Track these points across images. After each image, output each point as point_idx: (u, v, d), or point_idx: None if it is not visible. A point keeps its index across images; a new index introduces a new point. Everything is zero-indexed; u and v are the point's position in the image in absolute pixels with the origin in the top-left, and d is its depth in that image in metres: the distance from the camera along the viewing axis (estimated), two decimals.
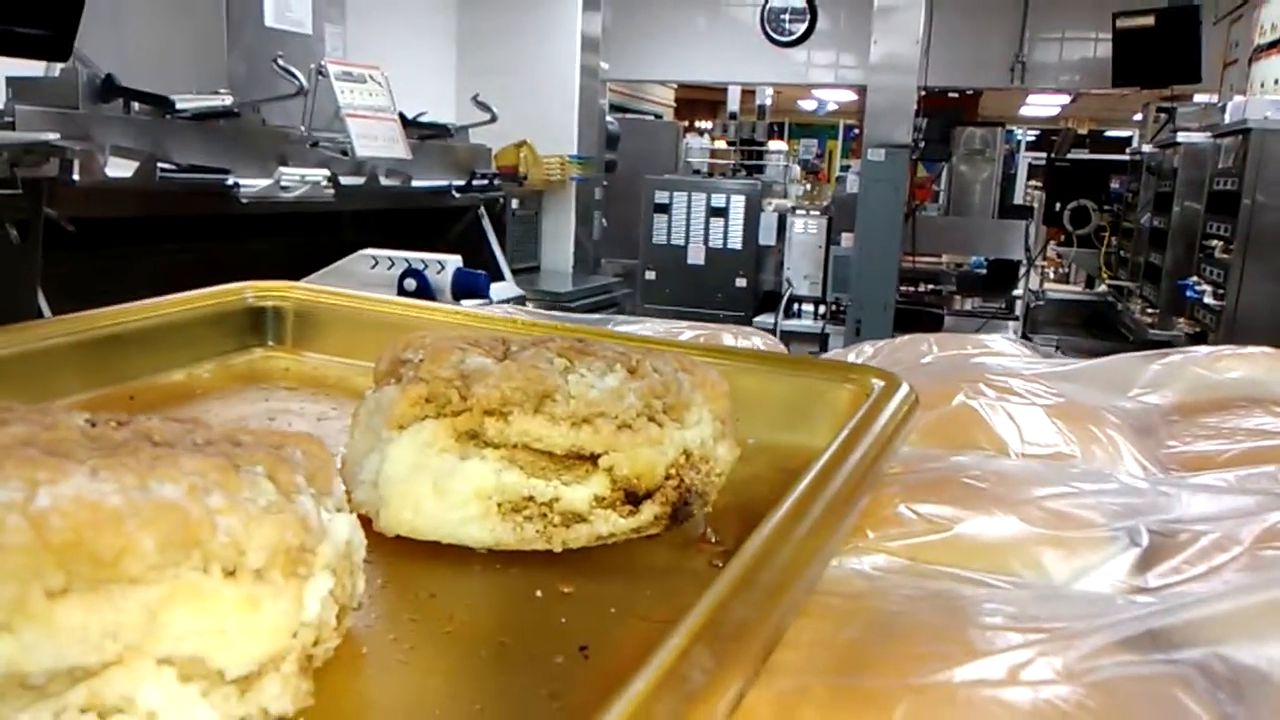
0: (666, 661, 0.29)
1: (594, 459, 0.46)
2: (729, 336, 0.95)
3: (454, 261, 2.24)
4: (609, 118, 6.19)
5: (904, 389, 0.58)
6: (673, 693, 0.29)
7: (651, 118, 9.07)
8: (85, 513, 0.27)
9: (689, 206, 6.27)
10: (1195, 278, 4.40)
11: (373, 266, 2.23)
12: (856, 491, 0.47)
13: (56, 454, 0.29)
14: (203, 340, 0.72)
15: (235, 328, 0.74)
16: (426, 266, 2.20)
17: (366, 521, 0.46)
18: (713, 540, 0.49)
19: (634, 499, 0.47)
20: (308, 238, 3.06)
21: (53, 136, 2.27)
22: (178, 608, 0.29)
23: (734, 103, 7.60)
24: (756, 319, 6.08)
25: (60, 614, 0.27)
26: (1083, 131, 9.84)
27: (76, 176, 2.27)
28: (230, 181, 2.74)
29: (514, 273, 4.21)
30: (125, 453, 0.30)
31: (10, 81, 2.42)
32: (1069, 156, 6.70)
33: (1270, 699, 0.36)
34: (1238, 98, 4.46)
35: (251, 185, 2.82)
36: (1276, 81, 4.59)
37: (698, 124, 10.18)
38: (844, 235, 5.90)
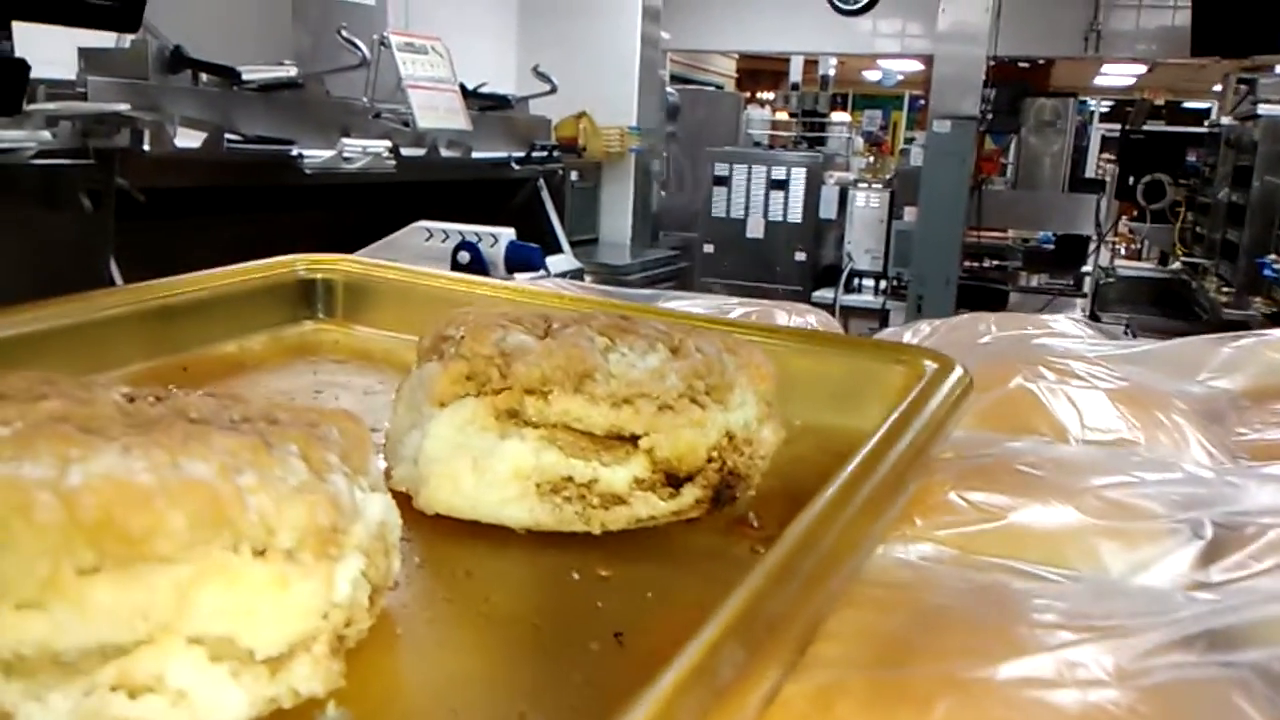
0: (696, 656, 0.29)
1: (634, 440, 0.45)
2: (782, 314, 0.93)
3: (507, 234, 2.23)
4: (669, 89, 6.14)
5: (958, 371, 0.56)
6: (702, 688, 0.28)
7: (712, 89, 8.98)
8: (116, 490, 0.27)
9: (749, 179, 6.21)
10: (1273, 255, 4.25)
11: (427, 239, 2.23)
12: (904, 477, 0.46)
13: (90, 430, 0.29)
14: (254, 312, 0.72)
15: (286, 300, 0.75)
16: (480, 240, 2.20)
17: (407, 499, 0.46)
18: (755, 525, 0.48)
19: (675, 481, 0.46)
20: (369, 209, 3.09)
21: (124, 107, 2.31)
22: (208, 587, 0.29)
23: (796, 73, 7.49)
24: (815, 293, 6.01)
25: (91, 592, 0.27)
26: (1159, 103, 9.52)
27: (147, 147, 2.31)
28: (295, 152, 2.78)
29: (572, 245, 4.21)
30: (159, 430, 0.30)
31: (82, 52, 2.47)
32: (1144, 128, 6.49)
33: None
34: None
35: (315, 156, 2.85)
36: None
37: (759, 95, 10.05)
38: (907, 209, 5.79)
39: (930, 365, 0.57)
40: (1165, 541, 0.50)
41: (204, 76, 2.67)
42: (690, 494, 0.46)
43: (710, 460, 0.47)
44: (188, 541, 0.28)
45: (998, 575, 0.43)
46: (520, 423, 0.45)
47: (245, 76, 2.80)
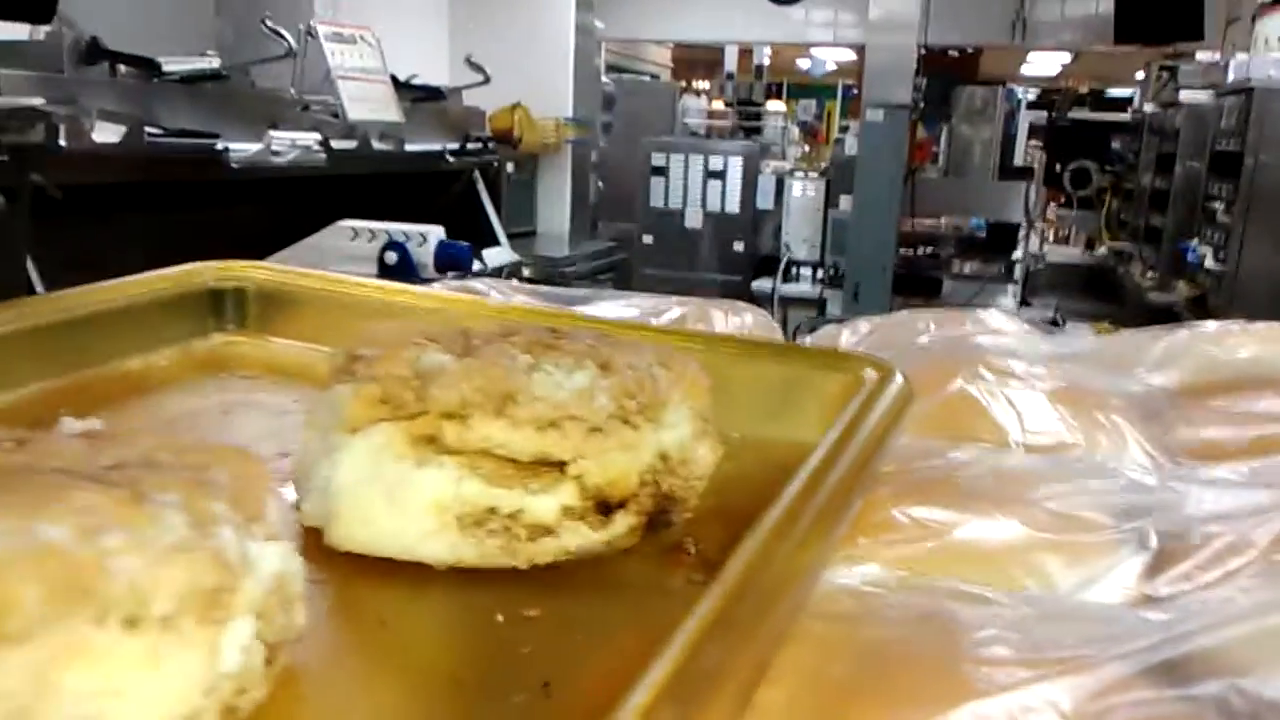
0: (632, 717, 0.26)
1: (562, 466, 0.43)
2: (718, 313, 0.91)
3: (436, 233, 2.18)
4: (605, 79, 6.09)
5: (898, 380, 0.54)
6: None
7: (648, 78, 8.95)
8: None
9: (686, 169, 6.19)
10: (1196, 240, 4.36)
11: (352, 239, 2.17)
12: (850, 496, 0.44)
13: None
14: (161, 325, 0.68)
15: (195, 311, 0.70)
16: (408, 239, 2.14)
17: (318, 534, 0.43)
18: (691, 551, 0.46)
19: (606, 509, 0.43)
20: (299, 203, 3.01)
21: (38, 101, 2.22)
22: (70, 667, 0.25)
23: (731, 63, 7.49)
24: (754, 283, 6.03)
25: None
26: (1084, 90, 9.71)
27: (64, 142, 2.22)
28: (220, 146, 2.69)
29: (510, 237, 4.16)
30: (12, 488, 0.27)
31: None
32: (1070, 116, 6.61)
33: None
34: (1241, 55, 4.38)
35: (242, 150, 2.76)
36: None
37: (695, 84, 10.04)
38: (842, 198, 5.83)
39: (870, 374, 0.55)
40: (1111, 554, 0.49)
41: (122, 68, 2.58)
42: (623, 522, 0.44)
43: (644, 484, 0.44)
44: (44, 617, 0.25)
45: (943, 601, 0.42)
46: (439, 449, 0.42)
47: (166, 68, 2.71)
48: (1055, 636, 0.36)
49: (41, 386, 0.61)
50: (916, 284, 5.58)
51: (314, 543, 0.43)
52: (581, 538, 0.43)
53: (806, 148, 7.47)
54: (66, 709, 0.25)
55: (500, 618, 0.39)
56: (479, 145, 3.98)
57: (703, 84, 9.96)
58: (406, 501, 0.41)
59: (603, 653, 0.37)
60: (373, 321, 0.53)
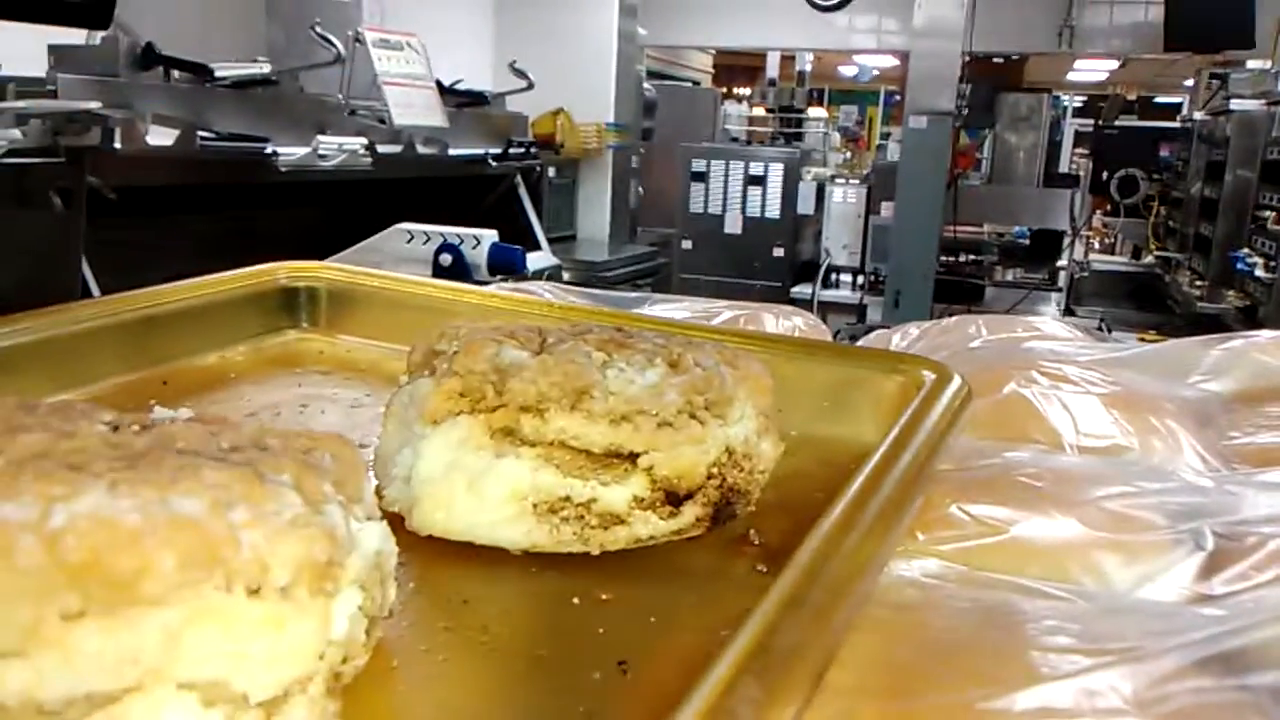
0: (709, 697, 0.28)
1: (633, 458, 0.44)
2: (770, 317, 0.92)
3: (490, 236, 2.22)
4: (646, 85, 6.12)
5: (956, 382, 0.56)
6: None
7: (689, 85, 8.96)
8: (102, 532, 0.26)
9: (726, 175, 6.21)
10: (1246, 249, 4.29)
11: (408, 241, 2.21)
12: (910, 494, 0.45)
13: (75, 466, 0.28)
14: (236, 322, 0.71)
15: (269, 309, 0.73)
16: (462, 241, 2.18)
17: (399, 519, 0.45)
18: (755, 542, 0.47)
19: (674, 500, 0.45)
20: (345, 206, 3.06)
21: (94, 105, 2.27)
22: (199, 629, 0.27)
23: (773, 69, 7.49)
24: (794, 289, 6.03)
25: (77, 638, 0.26)
26: (1131, 98, 9.59)
27: (118, 145, 2.27)
28: (269, 150, 2.74)
29: (550, 241, 4.19)
30: (146, 464, 0.29)
31: (52, 49, 2.43)
32: (1117, 124, 6.54)
33: None
34: None
35: (290, 154, 2.81)
36: None
37: (736, 91, 10.05)
38: (884, 204, 5.81)
39: (928, 375, 0.57)
40: (1168, 553, 0.50)
41: (176, 73, 2.64)
42: (690, 512, 0.45)
43: (710, 477, 0.46)
44: (178, 582, 0.27)
45: (1004, 593, 0.43)
46: (516, 441, 0.44)
47: (218, 73, 2.76)
48: (1115, 629, 0.38)
49: (127, 379, 0.64)
50: (958, 291, 5.55)
51: (394, 527, 0.45)
52: (651, 527, 0.44)
53: (848, 154, 7.44)
54: (196, 668, 0.28)
55: (576, 600, 0.41)
56: (521, 150, 4.01)
57: (744, 90, 9.96)
58: (485, 490, 0.43)
59: (674, 635, 0.39)
60: (439, 321, 0.55)
